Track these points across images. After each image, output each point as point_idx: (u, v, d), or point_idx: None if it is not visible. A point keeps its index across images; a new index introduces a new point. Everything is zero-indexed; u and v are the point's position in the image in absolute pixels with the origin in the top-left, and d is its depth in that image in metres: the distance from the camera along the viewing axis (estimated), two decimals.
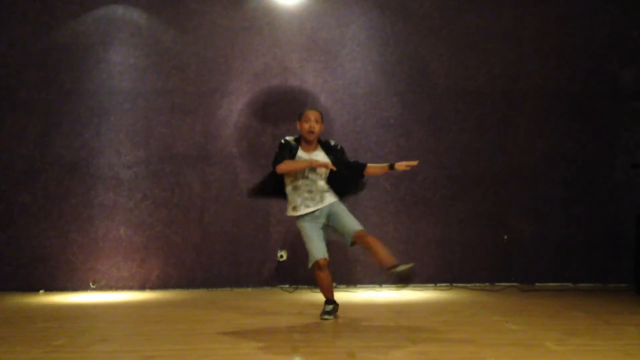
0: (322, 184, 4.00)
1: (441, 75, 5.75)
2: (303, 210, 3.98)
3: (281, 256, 5.49)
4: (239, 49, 5.71)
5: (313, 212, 3.97)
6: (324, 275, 3.94)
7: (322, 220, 4.01)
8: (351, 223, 3.95)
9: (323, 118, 4.10)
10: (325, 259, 3.90)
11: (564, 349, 2.98)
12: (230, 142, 5.63)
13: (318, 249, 3.91)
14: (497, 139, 5.74)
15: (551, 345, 3.07)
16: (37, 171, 5.54)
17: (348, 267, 5.59)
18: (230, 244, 5.55)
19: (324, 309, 3.97)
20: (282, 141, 4.05)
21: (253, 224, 5.58)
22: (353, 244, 3.97)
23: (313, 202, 3.97)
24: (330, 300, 3.99)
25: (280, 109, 5.69)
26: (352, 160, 4.17)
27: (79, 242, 5.49)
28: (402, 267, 3.71)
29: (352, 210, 5.56)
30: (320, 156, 4.01)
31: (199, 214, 5.58)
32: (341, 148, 4.13)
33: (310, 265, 3.94)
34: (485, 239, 5.66)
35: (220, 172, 5.62)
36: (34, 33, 5.62)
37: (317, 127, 3.99)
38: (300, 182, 3.98)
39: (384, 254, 3.80)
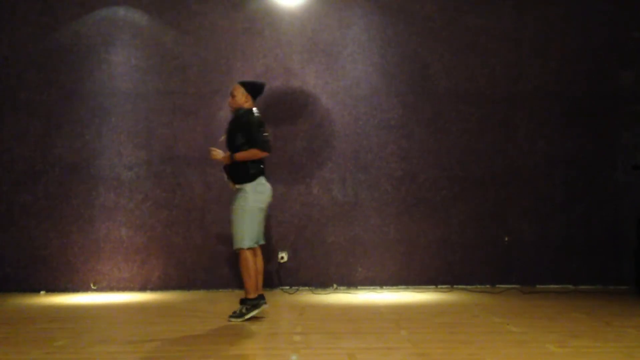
0: None
1: (442, 76, 5.75)
2: None
3: (282, 257, 5.49)
4: (240, 50, 5.72)
5: None
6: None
7: None
8: None
9: (236, 89, 4.06)
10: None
11: (565, 351, 2.98)
12: None
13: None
14: (497, 140, 5.74)
15: (552, 347, 3.07)
16: (38, 172, 5.55)
17: (349, 268, 5.59)
18: (231, 245, 5.53)
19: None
20: (259, 119, 4.06)
21: None
22: None
23: None
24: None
25: (282, 110, 5.70)
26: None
27: (80, 243, 5.50)
28: None
29: (353, 210, 5.64)
30: None
31: (200, 215, 5.58)
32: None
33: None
34: (486, 240, 5.66)
35: (222, 173, 5.60)
36: (35, 34, 5.64)
37: (229, 101, 4.11)
38: None
39: None
